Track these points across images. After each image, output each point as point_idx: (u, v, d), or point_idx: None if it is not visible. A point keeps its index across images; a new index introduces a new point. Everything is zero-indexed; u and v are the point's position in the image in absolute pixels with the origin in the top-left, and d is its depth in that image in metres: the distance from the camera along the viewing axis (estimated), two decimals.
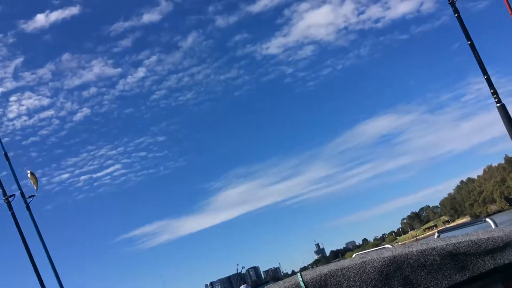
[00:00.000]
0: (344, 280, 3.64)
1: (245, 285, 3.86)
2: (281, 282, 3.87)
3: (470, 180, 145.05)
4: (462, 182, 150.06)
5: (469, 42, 8.81)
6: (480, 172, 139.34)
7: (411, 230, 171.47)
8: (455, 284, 3.59)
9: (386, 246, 5.12)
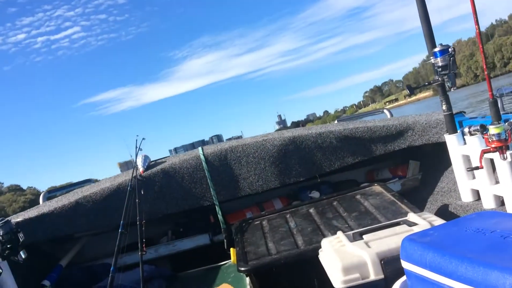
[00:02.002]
0: (244, 155, 3.84)
1: (143, 155, 3.96)
2: (182, 154, 4.02)
3: None
4: (427, 56, 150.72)
5: None
6: None
7: (372, 103, 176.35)
8: (346, 165, 3.85)
9: (384, 110, 4.93)
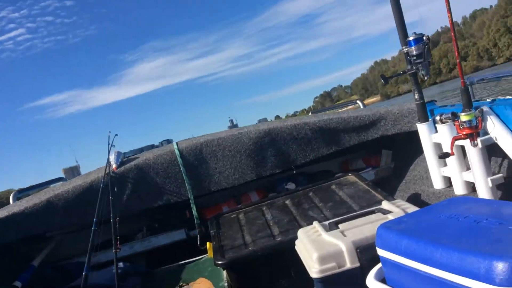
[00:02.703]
0: (220, 149, 3.81)
1: (116, 151, 3.88)
2: (155, 149, 3.96)
3: (383, 61, 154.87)
4: (375, 62, 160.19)
5: None
6: (389, 58, 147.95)
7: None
8: (321, 156, 3.87)
9: (358, 101, 5.17)
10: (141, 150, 4.57)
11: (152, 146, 4.76)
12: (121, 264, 3.19)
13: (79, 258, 3.70)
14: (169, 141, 4.80)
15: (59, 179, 4.64)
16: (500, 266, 1.21)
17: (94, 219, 2.84)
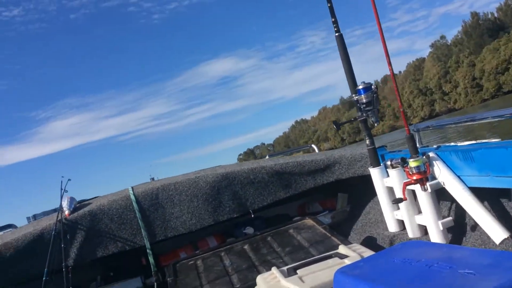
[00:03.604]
0: (176, 194, 3.78)
1: (69, 197, 3.76)
2: (110, 194, 3.88)
3: (303, 120, 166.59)
4: (296, 122, 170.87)
5: None
6: (308, 118, 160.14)
7: None
8: (279, 200, 3.90)
9: (312, 145, 5.44)
10: (55, 210, 4.32)
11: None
12: None
13: None
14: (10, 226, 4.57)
15: (8, 226, 4.43)
16: None
17: (46, 269, 2.72)
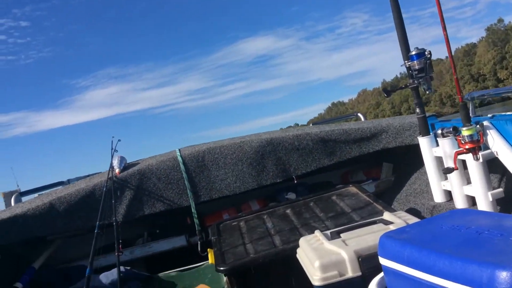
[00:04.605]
0: (222, 157, 3.84)
1: (119, 156, 3.85)
2: (158, 155, 3.99)
3: (340, 103, 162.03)
4: (333, 103, 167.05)
5: None
6: (346, 100, 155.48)
7: None
8: (322, 167, 3.90)
9: (358, 114, 5.34)
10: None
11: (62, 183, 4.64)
12: (122, 269, 3.21)
13: (79, 262, 3.71)
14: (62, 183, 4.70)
15: (60, 183, 4.66)
16: (502, 275, 1.25)
17: (97, 222, 2.86)
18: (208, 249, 3.43)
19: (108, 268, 3.27)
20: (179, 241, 3.87)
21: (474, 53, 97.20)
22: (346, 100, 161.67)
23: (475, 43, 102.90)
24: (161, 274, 3.49)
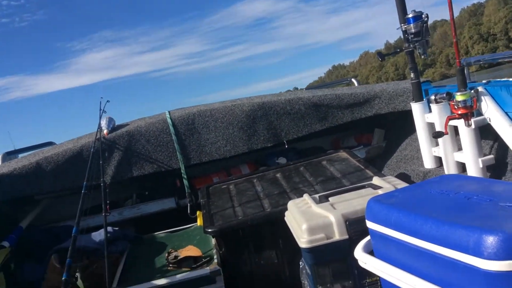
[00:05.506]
0: (212, 120, 3.79)
1: (107, 117, 3.79)
2: (147, 117, 3.93)
3: (341, 66, 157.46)
4: (333, 66, 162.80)
5: None
6: (347, 63, 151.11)
7: None
8: (314, 132, 3.86)
9: (352, 79, 5.37)
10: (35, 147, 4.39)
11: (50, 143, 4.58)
12: (110, 229, 3.20)
13: (67, 222, 3.70)
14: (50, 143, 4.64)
15: (48, 143, 4.60)
16: (489, 240, 1.23)
17: (84, 183, 2.82)
18: (198, 211, 3.42)
19: (96, 228, 3.26)
20: (169, 203, 3.86)
21: (481, 13, 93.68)
22: (347, 63, 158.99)
23: (481, 3, 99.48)
24: (149, 235, 3.49)
